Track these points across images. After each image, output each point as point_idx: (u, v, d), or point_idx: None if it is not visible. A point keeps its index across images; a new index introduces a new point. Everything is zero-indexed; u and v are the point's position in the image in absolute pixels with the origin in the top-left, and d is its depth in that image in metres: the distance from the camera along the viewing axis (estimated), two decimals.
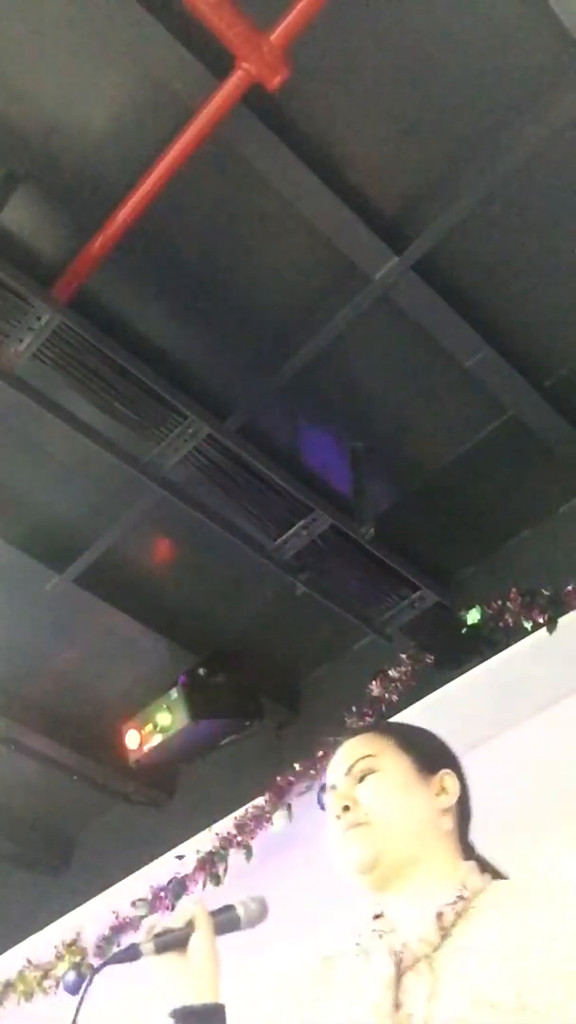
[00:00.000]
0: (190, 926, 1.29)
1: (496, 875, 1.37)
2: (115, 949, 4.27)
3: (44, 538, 3.63)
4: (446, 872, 1.33)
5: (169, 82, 2.43)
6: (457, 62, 2.48)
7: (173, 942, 1.29)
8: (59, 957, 4.50)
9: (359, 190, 2.70)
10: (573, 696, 3.46)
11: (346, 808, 1.36)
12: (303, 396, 3.27)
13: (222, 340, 3.12)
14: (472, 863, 1.35)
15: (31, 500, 3.54)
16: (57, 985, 4.47)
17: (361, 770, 1.39)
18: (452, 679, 3.60)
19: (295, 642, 4.19)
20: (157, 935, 1.29)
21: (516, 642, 3.47)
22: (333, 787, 1.41)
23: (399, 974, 1.24)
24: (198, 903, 1.31)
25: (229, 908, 1.34)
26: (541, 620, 3.41)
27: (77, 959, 4.42)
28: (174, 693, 3.93)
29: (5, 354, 2.73)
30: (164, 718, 3.92)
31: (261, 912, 1.35)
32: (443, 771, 1.41)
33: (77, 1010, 1.28)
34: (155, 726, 3.94)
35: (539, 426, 3.33)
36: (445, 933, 1.25)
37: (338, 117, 2.59)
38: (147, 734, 3.98)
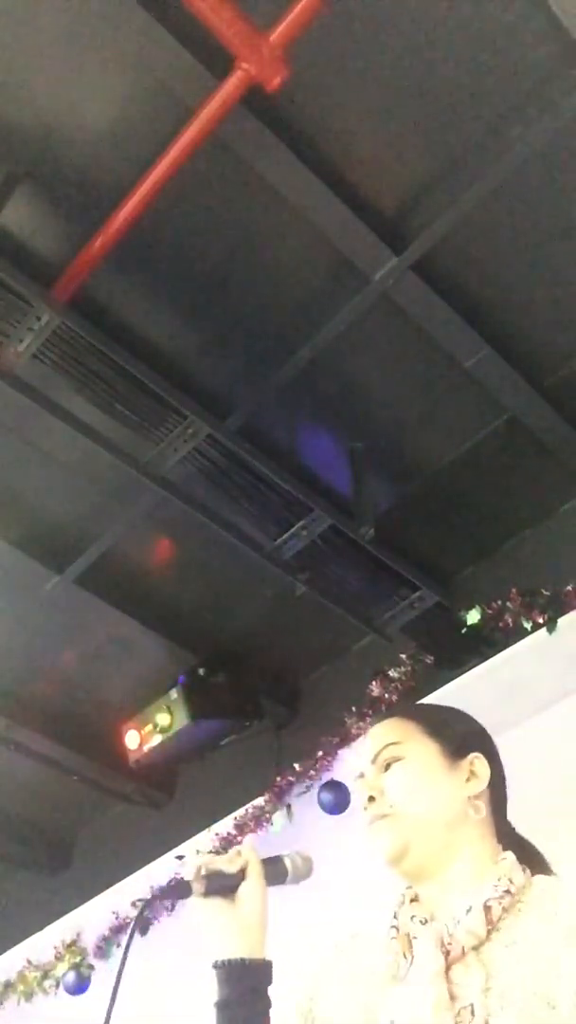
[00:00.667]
0: (242, 873, 1.26)
1: (536, 865, 1.33)
2: (114, 949, 4.28)
3: (44, 538, 3.64)
4: (484, 862, 1.29)
5: (169, 82, 2.43)
6: (457, 62, 2.48)
7: (224, 887, 1.25)
8: (59, 957, 4.50)
9: (359, 190, 2.70)
10: (573, 696, 3.46)
11: (371, 799, 1.34)
12: (303, 396, 3.27)
13: (222, 340, 3.12)
14: (511, 855, 1.30)
15: (31, 500, 3.54)
16: (57, 985, 4.47)
17: (387, 759, 1.36)
18: (452, 679, 3.60)
19: (295, 642, 4.19)
20: (208, 876, 1.25)
21: (516, 642, 3.47)
22: (361, 775, 1.38)
23: (448, 965, 1.20)
24: (253, 849, 1.29)
25: (277, 860, 1.32)
26: (541, 620, 3.41)
27: (77, 959, 4.42)
28: (174, 693, 3.93)
29: (5, 354, 2.73)
30: (164, 718, 3.92)
31: (308, 868, 1.33)
32: (472, 755, 1.36)
33: (126, 951, 1.26)
34: (155, 726, 3.94)
35: (539, 426, 3.33)
36: (493, 927, 1.21)
37: (338, 117, 2.59)
38: (147, 734, 3.98)
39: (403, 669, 3.78)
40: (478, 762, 1.36)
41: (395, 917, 1.30)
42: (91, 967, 4.37)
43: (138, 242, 2.71)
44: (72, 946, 4.49)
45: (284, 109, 2.51)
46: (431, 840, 1.30)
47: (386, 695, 3.78)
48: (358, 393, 3.33)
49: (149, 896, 1.27)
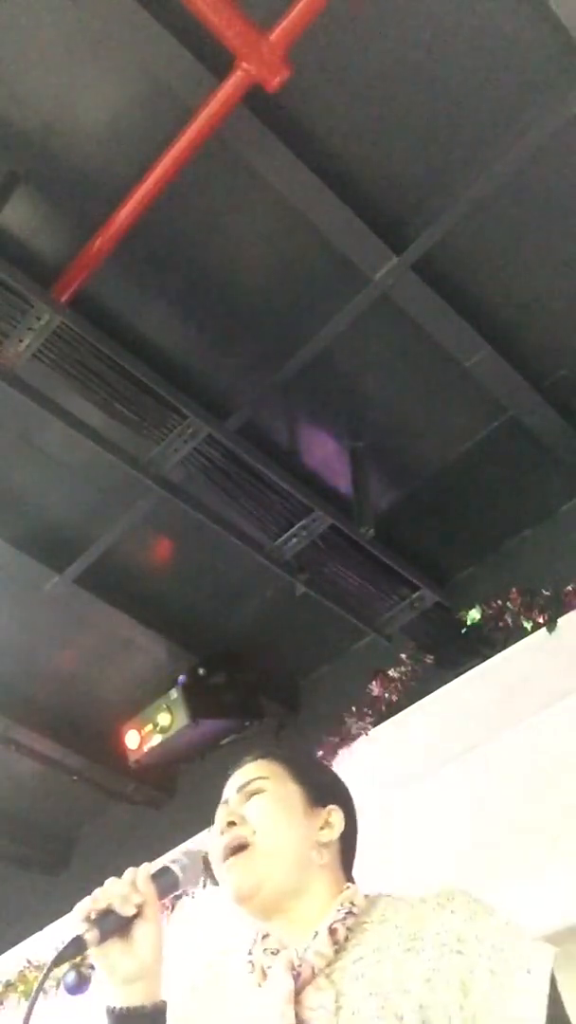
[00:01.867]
0: (139, 910, 1.23)
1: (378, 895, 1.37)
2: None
3: (44, 538, 3.63)
4: (327, 901, 1.32)
5: (169, 82, 2.43)
6: (457, 62, 2.48)
7: (118, 927, 1.20)
8: None
9: (359, 190, 2.70)
10: (573, 696, 3.46)
11: (231, 823, 1.36)
12: (303, 396, 3.27)
13: (222, 340, 3.12)
14: (353, 886, 1.36)
15: (31, 500, 3.54)
16: (57, 985, 4.46)
17: (252, 789, 1.39)
18: (452, 679, 3.60)
19: (295, 642, 4.19)
20: (99, 920, 1.20)
21: (516, 642, 3.47)
22: (225, 802, 1.41)
23: (297, 989, 1.23)
24: (148, 880, 1.26)
25: (165, 871, 1.29)
26: (541, 620, 3.41)
27: (77, 959, 4.42)
28: (174, 693, 3.93)
29: (5, 354, 2.73)
30: (164, 718, 3.92)
31: (197, 868, 1.32)
32: (331, 806, 1.40)
33: (28, 1013, 1.21)
34: (155, 726, 3.94)
35: (539, 426, 3.33)
36: (340, 947, 1.25)
37: (338, 117, 2.59)
38: (147, 734, 3.98)
39: (403, 669, 3.78)
40: (335, 813, 1.40)
41: (250, 953, 1.34)
42: (91, 967, 4.36)
43: (138, 242, 2.71)
44: None
45: (284, 109, 2.51)
46: (282, 878, 1.32)
47: (386, 695, 3.78)
48: (358, 393, 3.34)
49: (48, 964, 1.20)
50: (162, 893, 1.26)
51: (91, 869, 4.71)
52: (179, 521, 3.53)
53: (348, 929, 1.27)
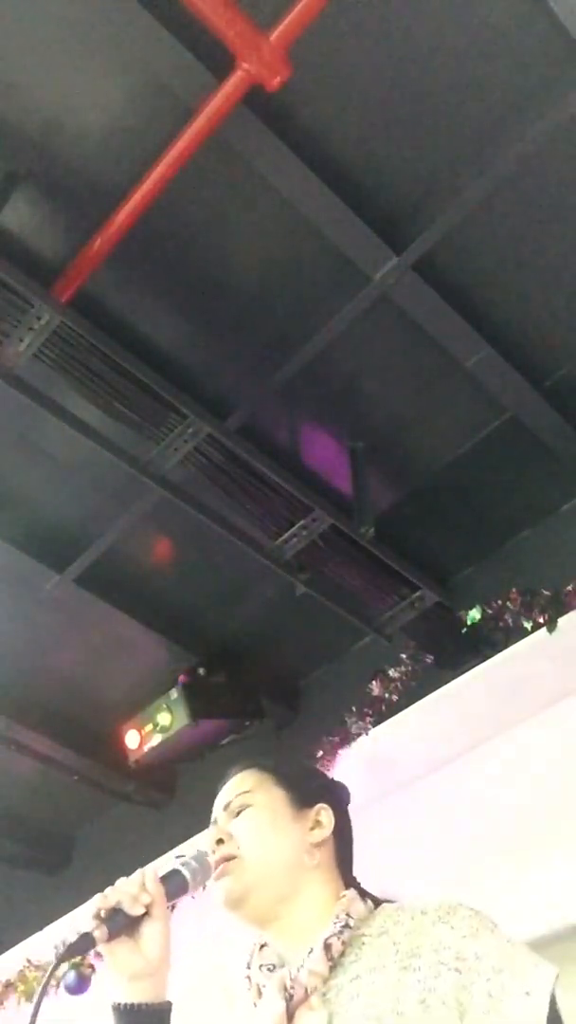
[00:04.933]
0: (147, 910, 1.24)
1: (380, 902, 1.36)
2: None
3: (44, 538, 3.63)
4: (325, 904, 1.32)
5: (169, 82, 2.43)
6: (457, 61, 2.48)
7: (125, 926, 1.23)
8: None
9: (359, 190, 2.70)
10: (573, 696, 3.46)
11: (220, 841, 1.37)
12: (303, 396, 3.27)
13: (222, 340, 3.12)
14: (353, 891, 1.34)
15: (31, 500, 3.54)
16: (57, 985, 4.47)
17: (238, 806, 1.40)
18: (452, 679, 3.60)
19: (295, 642, 4.19)
20: (108, 918, 1.22)
21: (516, 642, 3.47)
22: (214, 822, 1.43)
23: (291, 1011, 1.22)
24: (157, 881, 1.27)
25: (174, 874, 1.31)
26: (541, 620, 3.41)
27: (77, 959, 4.42)
28: (174, 693, 3.93)
29: (5, 354, 2.73)
30: (164, 718, 3.92)
31: (206, 871, 1.33)
32: (319, 805, 1.40)
33: (35, 1011, 1.21)
34: (155, 726, 3.94)
35: (539, 426, 3.33)
36: (335, 963, 1.23)
37: (338, 117, 2.59)
38: (147, 734, 3.98)
39: (403, 669, 3.78)
40: (324, 812, 1.40)
41: (248, 967, 1.34)
42: (91, 967, 4.37)
43: (138, 242, 2.71)
44: None
45: (284, 109, 2.51)
46: (271, 884, 1.33)
47: (386, 695, 3.78)
48: (358, 393, 3.33)
49: (54, 958, 1.22)
50: (171, 895, 1.28)
51: (91, 869, 4.72)
52: (179, 521, 3.53)
53: (344, 943, 1.25)
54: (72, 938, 1.20)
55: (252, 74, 2.28)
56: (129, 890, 1.25)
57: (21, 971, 4.66)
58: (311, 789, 1.44)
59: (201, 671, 4.04)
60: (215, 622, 4.08)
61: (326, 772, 1.56)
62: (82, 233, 2.70)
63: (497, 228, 2.85)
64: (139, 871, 1.28)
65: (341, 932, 1.26)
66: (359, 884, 1.41)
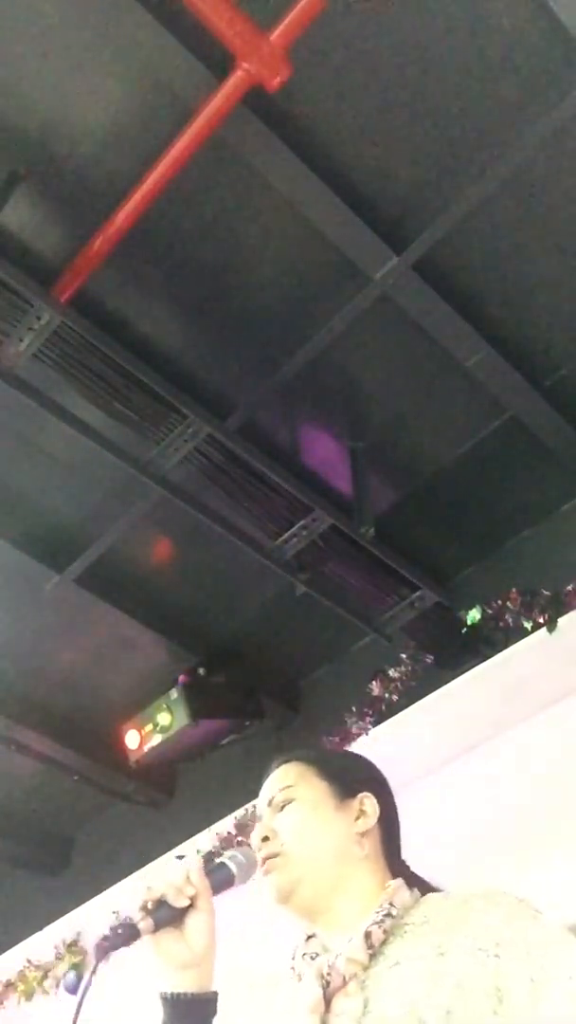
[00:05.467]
0: (192, 902, 1.25)
1: (428, 890, 1.36)
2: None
3: (44, 538, 3.63)
4: (372, 894, 1.32)
5: (169, 82, 2.43)
6: (457, 62, 2.48)
7: (172, 917, 1.24)
8: (59, 957, 4.50)
9: (359, 190, 2.70)
10: (573, 696, 3.46)
11: (265, 839, 1.38)
12: (303, 396, 3.27)
13: (222, 340, 3.12)
14: (399, 880, 1.34)
15: (31, 500, 3.54)
16: (57, 985, 4.47)
17: (280, 801, 1.41)
18: (452, 679, 3.60)
19: (295, 642, 4.19)
20: (154, 910, 1.24)
21: (516, 642, 3.47)
22: (260, 818, 1.44)
23: (327, 997, 1.22)
24: (198, 870, 1.28)
25: (221, 867, 1.32)
26: (541, 620, 3.41)
27: (77, 959, 4.43)
28: (174, 693, 3.93)
29: (5, 354, 2.73)
30: (164, 718, 3.92)
31: (252, 866, 1.34)
32: (362, 794, 1.40)
33: (79, 1004, 1.23)
34: (155, 726, 3.94)
35: (539, 426, 3.33)
36: (374, 952, 1.23)
37: (338, 117, 2.59)
38: (147, 734, 3.98)
39: (403, 669, 3.78)
40: (368, 801, 1.40)
41: (292, 958, 1.34)
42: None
43: (138, 242, 2.71)
44: (72, 946, 4.49)
45: (284, 109, 2.51)
46: (319, 877, 1.34)
47: (386, 695, 3.78)
48: (358, 393, 3.34)
49: (97, 947, 1.23)
50: (216, 888, 1.29)
51: (91, 869, 4.72)
52: (179, 521, 3.53)
53: (385, 932, 1.25)
54: (118, 928, 1.22)
55: (252, 74, 2.28)
56: (174, 882, 1.26)
57: (21, 971, 4.66)
58: (354, 779, 1.44)
59: (201, 671, 4.04)
60: (215, 622, 4.08)
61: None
62: (82, 233, 2.70)
63: (497, 228, 2.85)
64: (184, 862, 1.29)
65: (382, 921, 1.26)
66: (409, 870, 1.41)
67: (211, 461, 3.08)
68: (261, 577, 3.65)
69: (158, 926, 1.23)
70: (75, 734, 4.35)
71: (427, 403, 3.36)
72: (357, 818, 1.38)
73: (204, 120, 2.39)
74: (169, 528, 3.73)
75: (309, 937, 1.34)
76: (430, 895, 1.33)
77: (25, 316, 2.65)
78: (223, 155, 2.57)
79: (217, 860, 1.33)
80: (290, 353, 3.08)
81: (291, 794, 1.41)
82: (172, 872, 1.28)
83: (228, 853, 1.35)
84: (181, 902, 1.25)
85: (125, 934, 1.22)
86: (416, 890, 1.34)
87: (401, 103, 2.57)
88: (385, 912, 1.27)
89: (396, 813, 1.45)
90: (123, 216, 2.60)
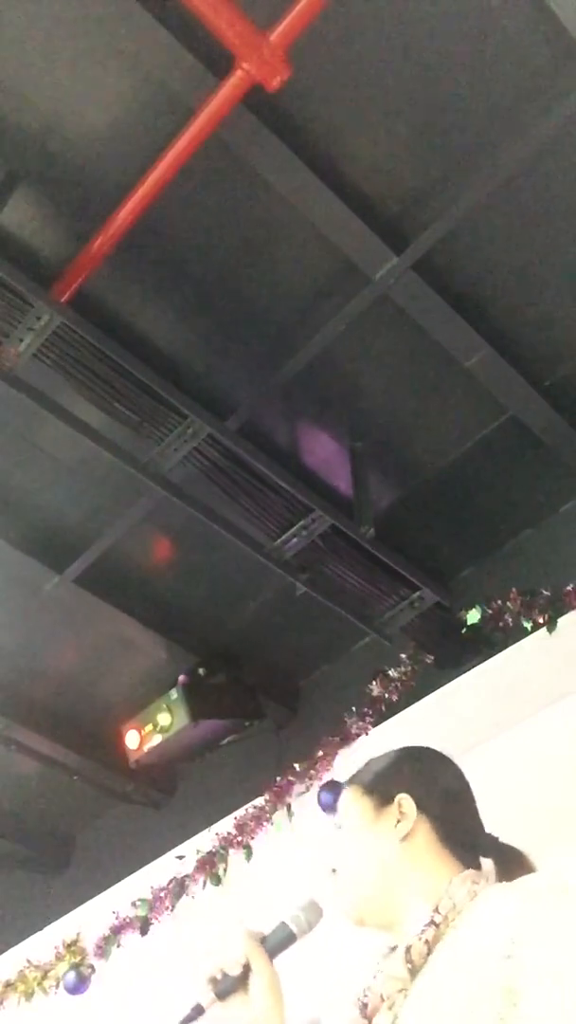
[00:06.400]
0: (247, 968, 1.28)
1: (513, 871, 1.31)
2: (114, 948, 4.27)
3: (44, 538, 3.64)
4: (435, 893, 1.28)
5: (169, 82, 2.43)
6: (457, 62, 2.48)
7: (233, 986, 1.29)
8: (59, 957, 4.50)
9: (359, 190, 2.70)
10: (573, 696, 3.46)
11: (333, 870, 1.41)
12: (303, 396, 3.27)
13: (222, 340, 3.12)
14: (462, 876, 1.29)
15: (31, 500, 3.54)
16: (57, 985, 4.47)
17: (337, 832, 1.43)
18: (452, 679, 3.60)
19: (295, 642, 4.19)
20: (216, 983, 1.29)
21: (516, 642, 3.47)
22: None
23: (368, 1016, 1.23)
24: (246, 937, 1.30)
25: (281, 928, 1.33)
26: (541, 620, 3.41)
27: (77, 959, 4.43)
28: (174, 693, 3.93)
29: (5, 354, 2.73)
30: (164, 718, 3.92)
31: (316, 914, 1.34)
32: (399, 796, 1.38)
33: None
34: (155, 726, 3.94)
35: (539, 426, 3.33)
36: (414, 967, 1.21)
37: (338, 117, 2.59)
38: (147, 734, 3.98)
39: (403, 669, 3.78)
40: (405, 802, 1.38)
41: (373, 977, 1.32)
42: (91, 967, 4.37)
43: (138, 242, 2.71)
44: (72, 946, 4.49)
45: (284, 109, 2.51)
46: (372, 894, 1.34)
47: (386, 695, 3.78)
48: (358, 393, 3.34)
49: None
50: (277, 949, 1.32)
51: (91, 869, 4.72)
52: (179, 521, 3.53)
53: (427, 942, 1.22)
54: (185, 1011, 1.27)
55: (252, 74, 2.28)
56: (229, 959, 1.30)
57: (21, 971, 4.66)
58: (390, 782, 1.41)
59: (201, 671, 4.05)
60: (215, 622, 4.08)
61: (412, 763, 1.50)
62: (82, 233, 2.70)
63: (497, 228, 2.85)
64: (237, 934, 1.31)
65: (423, 931, 1.23)
66: (489, 849, 1.38)
67: (211, 461, 3.08)
68: (261, 577, 3.65)
69: (221, 997, 1.28)
70: (75, 734, 4.35)
71: (427, 403, 3.36)
72: (398, 822, 1.36)
73: (204, 120, 2.39)
74: (169, 528, 3.73)
75: (392, 948, 1.32)
76: (495, 886, 1.27)
77: (25, 316, 2.65)
78: (223, 155, 2.57)
79: (280, 920, 1.34)
80: (290, 353, 3.08)
81: (340, 822, 1.43)
82: (224, 948, 1.32)
83: (291, 914, 1.34)
84: (235, 971, 1.29)
85: (191, 1015, 1.29)
86: (483, 880, 1.28)
87: (401, 103, 2.57)
88: (428, 921, 1.24)
89: (455, 793, 1.42)
90: (123, 216, 2.59)
